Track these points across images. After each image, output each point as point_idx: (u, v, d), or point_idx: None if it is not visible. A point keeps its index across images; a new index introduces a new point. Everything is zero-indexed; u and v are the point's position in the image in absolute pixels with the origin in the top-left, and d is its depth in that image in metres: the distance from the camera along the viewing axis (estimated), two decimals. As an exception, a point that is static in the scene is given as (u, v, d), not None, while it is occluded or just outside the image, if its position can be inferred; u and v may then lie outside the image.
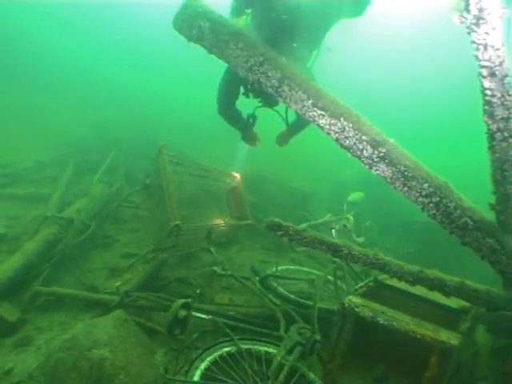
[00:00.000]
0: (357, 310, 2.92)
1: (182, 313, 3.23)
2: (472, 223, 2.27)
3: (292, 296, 4.10)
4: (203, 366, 2.83)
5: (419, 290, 3.30)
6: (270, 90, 2.36)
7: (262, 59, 2.32)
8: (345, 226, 3.75)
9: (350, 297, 3.11)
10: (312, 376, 3.07)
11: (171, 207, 3.60)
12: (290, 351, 3.10)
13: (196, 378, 2.67)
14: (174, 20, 2.44)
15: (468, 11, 1.57)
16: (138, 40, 24.34)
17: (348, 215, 3.92)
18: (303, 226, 4.08)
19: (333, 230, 3.97)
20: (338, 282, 3.81)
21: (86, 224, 4.72)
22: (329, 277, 4.79)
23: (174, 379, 2.64)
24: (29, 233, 4.70)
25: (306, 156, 9.93)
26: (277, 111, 3.59)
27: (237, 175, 4.52)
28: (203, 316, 3.40)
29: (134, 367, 2.92)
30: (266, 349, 3.22)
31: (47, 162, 6.85)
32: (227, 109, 3.66)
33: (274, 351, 3.18)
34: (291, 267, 4.86)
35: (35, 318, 3.57)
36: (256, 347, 3.20)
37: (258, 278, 4.33)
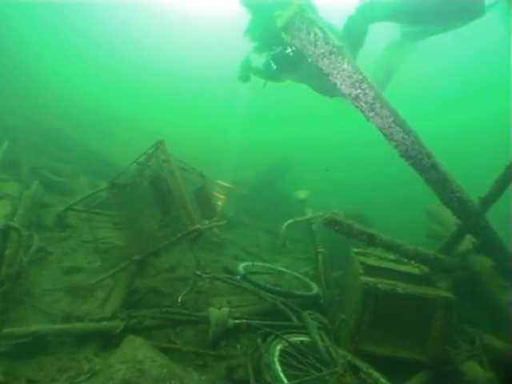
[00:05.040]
0: (379, 286, 3.56)
1: (231, 322, 3.11)
2: (475, 211, 3.24)
3: (278, 288, 4.38)
4: (278, 367, 2.88)
5: (389, 265, 4.23)
6: (364, 104, 2.64)
7: (361, 77, 2.58)
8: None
9: (363, 277, 3.72)
10: (341, 351, 3.52)
11: (187, 210, 3.25)
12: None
13: (285, 381, 2.71)
14: (290, 19, 2.33)
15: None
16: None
17: (336, 210, 4.47)
18: (290, 221, 4.38)
19: (313, 226, 4.46)
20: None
21: (24, 234, 3.50)
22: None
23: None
24: None
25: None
26: None
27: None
28: (237, 321, 3.32)
29: (210, 390, 2.69)
30: (300, 338, 3.45)
31: None
32: None
33: (306, 339, 3.46)
34: (259, 264, 5.08)
35: (16, 369, 2.62)
36: (293, 339, 3.40)
37: (238, 276, 4.38)
